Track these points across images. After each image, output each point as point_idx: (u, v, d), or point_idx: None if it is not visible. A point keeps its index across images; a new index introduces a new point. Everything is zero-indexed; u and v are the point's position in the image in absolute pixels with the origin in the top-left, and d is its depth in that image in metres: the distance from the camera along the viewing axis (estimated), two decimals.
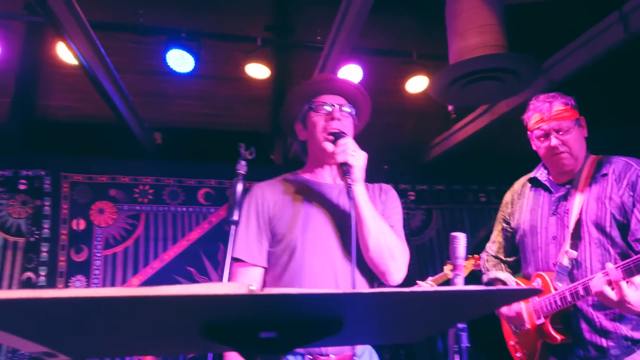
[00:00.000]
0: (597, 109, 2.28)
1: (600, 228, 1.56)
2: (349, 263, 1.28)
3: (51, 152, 3.82)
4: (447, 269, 2.74)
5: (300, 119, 1.52)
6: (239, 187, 1.22)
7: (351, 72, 3.55)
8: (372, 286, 1.44)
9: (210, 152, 4.15)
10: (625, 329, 1.52)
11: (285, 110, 1.58)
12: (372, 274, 1.42)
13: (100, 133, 3.92)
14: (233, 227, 1.17)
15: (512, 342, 1.90)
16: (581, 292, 1.48)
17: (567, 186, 1.70)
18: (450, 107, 3.86)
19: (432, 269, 4.16)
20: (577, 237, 1.60)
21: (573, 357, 1.59)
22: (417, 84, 3.81)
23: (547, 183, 1.77)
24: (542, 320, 1.65)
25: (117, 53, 4.12)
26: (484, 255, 2.03)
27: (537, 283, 1.69)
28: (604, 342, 1.53)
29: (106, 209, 3.77)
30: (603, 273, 1.38)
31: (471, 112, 3.80)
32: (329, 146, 1.37)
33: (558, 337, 1.59)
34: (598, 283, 1.38)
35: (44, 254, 3.53)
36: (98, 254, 3.69)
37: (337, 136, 1.37)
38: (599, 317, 1.55)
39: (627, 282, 1.33)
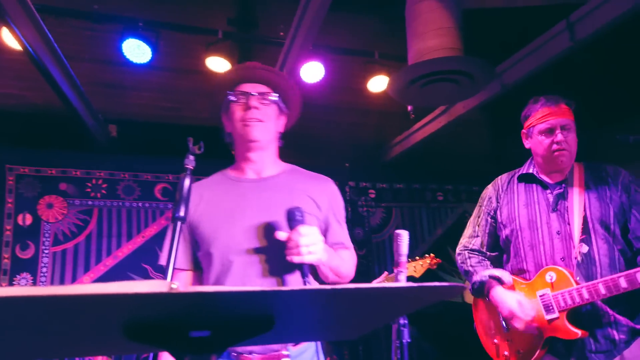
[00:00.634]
0: None
1: (604, 225, 1.66)
2: (278, 259, 1.27)
3: None
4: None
5: (224, 109, 1.47)
6: (186, 182, 1.19)
7: (313, 70, 3.55)
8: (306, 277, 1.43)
9: (169, 146, 4.01)
10: (634, 323, 1.59)
11: (210, 102, 1.53)
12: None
13: (50, 124, 3.73)
14: (179, 224, 1.14)
15: (496, 341, 1.86)
16: (623, 285, 1.50)
17: (563, 185, 1.78)
18: (409, 107, 3.92)
19: (391, 265, 4.25)
20: (586, 233, 1.67)
21: (584, 352, 1.61)
22: (378, 83, 3.85)
23: (543, 179, 1.82)
24: (555, 314, 1.64)
25: (70, 40, 3.94)
26: (463, 252, 2.00)
27: (549, 277, 1.67)
28: (615, 334, 1.59)
29: (55, 203, 3.60)
30: None
31: (429, 113, 3.88)
32: (282, 237, 1.25)
33: (579, 332, 1.59)
34: None
35: None
36: (46, 251, 3.52)
37: (294, 221, 1.24)
38: (612, 312, 1.60)
39: None
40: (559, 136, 1.72)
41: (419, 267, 2.75)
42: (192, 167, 1.23)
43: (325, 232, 1.42)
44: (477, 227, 1.99)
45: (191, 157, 1.26)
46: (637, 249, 1.64)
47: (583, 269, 1.64)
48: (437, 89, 2.64)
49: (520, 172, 1.92)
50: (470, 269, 1.94)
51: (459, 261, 2.03)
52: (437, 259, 2.78)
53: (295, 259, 1.19)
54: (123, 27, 3.26)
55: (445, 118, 3.61)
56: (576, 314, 1.64)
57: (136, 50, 3.29)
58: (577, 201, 1.71)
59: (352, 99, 4.68)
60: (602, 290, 1.55)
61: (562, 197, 1.76)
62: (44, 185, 3.59)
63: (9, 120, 3.67)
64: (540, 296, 1.70)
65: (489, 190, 2.02)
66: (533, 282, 1.75)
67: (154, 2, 4.04)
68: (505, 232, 1.89)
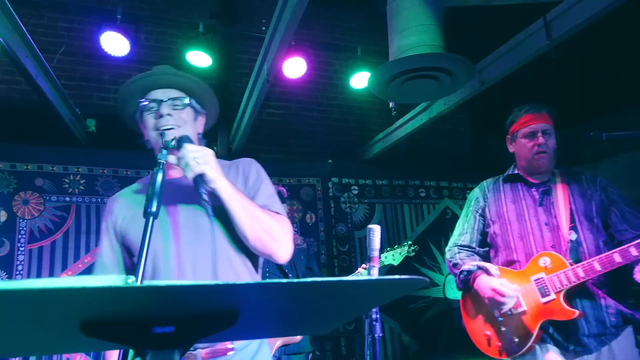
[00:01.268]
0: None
1: (589, 218, 1.81)
2: (208, 253, 1.26)
3: None
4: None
5: (138, 117, 1.44)
6: (159, 176, 1.17)
7: (295, 65, 3.53)
8: (257, 267, 1.41)
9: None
10: (623, 306, 1.69)
11: (121, 110, 1.49)
12: (255, 256, 1.39)
13: (27, 118, 3.64)
14: (151, 219, 1.12)
15: (488, 332, 1.91)
16: (618, 259, 1.60)
17: (547, 184, 1.92)
18: (391, 104, 3.94)
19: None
20: (573, 222, 1.80)
21: (578, 336, 1.70)
22: (361, 79, 3.86)
23: (527, 178, 1.96)
24: (551, 296, 1.72)
25: (47, 33, 3.85)
26: (453, 248, 2.11)
27: (543, 261, 1.77)
28: (606, 317, 1.68)
29: (32, 199, 3.52)
30: None
31: (411, 110, 3.90)
32: (173, 160, 1.26)
33: (576, 311, 1.66)
34: None
35: None
36: (22, 248, 3.44)
37: (178, 145, 1.26)
38: (603, 294, 1.71)
39: None
40: (541, 139, 1.88)
41: (397, 255, 2.84)
42: (165, 162, 1.22)
43: None
44: (466, 225, 2.10)
45: (164, 152, 1.24)
46: (619, 241, 1.75)
47: (573, 254, 1.76)
48: (417, 86, 2.64)
49: (505, 174, 2.06)
50: (459, 261, 2.04)
51: (448, 257, 2.11)
52: (416, 246, 2.85)
53: (188, 175, 1.20)
54: (101, 19, 3.19)
55: (426, 115, 3.63)
56: (569, 297, 1.73)
57: (114, 44, 3.23)
58: (562, 197, 1.85)
59: (335, 95, 4.68)
60: (598, 267, 1.63)
61: (547, 193, 1.90)
62: (20, 181, 3.51)
63: None
64: (535, 280, 1.78)
65: (476, 192, 2.14)
66: (526, 270, 1.84)
67: None
68: (494, 228, 2.00)
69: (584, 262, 1.68)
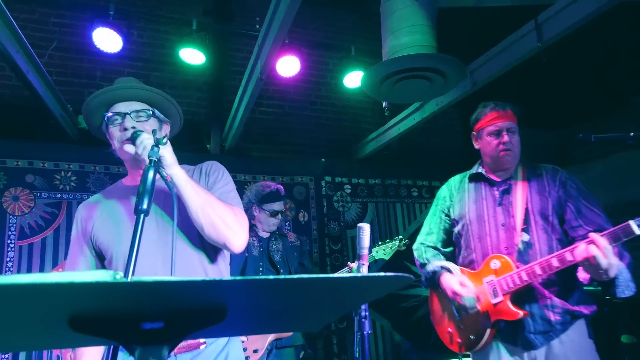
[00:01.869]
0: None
1: (544, 217, 1.81)
2: (187, 257, 1.33)
3: None
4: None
5: (104, 129, 1.49)
6: (150, 174, 1.17)
7: (289, 64, 3.53)
8: (215, 259, 1.45)
9: None
10: (569, 304, 1.73)
11: (87, 122, 1.53)
12: (215, 250, 1.44)
13: (17, 114, 3.61)
14: (142, 216, 1.12)
15: (450, 330, 1.99)
16: (555, 264, 1.64)
17: (509, 182, 1.93)
18: (384, 104, 3.96)
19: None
20: (526, 223, 1.83)
21: (524, 333, 1.75)
22: (354, 79, 3.87)
23: (490, 177, 1.98)
24: (499, 298, 1.78)
25: (38, 28, 3.82)
26: (420, 246, 2.16)
27: (494, 264, 1.82)
28: (551, 315, 1.73)
29: (22, 196, 3.49)
30: (586, 242, 1.56)
31: (404, 110, 3.92)
32: (130, 149, 1.34)
33: (520, 312, 1.73)
34: (585, 250, 1.54)
35: None
36: (12, 245, 3.42)
37: (133, 138, 1.33)
38: (550, 294, 1.75)
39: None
40: (506, 137, 1.89)
41: (388, 249, 2.89)
42: (156, 159, 1.22)
43: None
44: (432, 225, 2.16)
45: (155, 149, 1.25)
46: (572, 238, 1.79)
47: (524, 255, 1.80)
48: (410, 86, 2.66)
49: (470, 172, 2.09)
50: (425, 261, 2.10)
51: (416, 255, 2.18)
52: (406, 240, 2.89)
53: (145, 156, 1.25)
54: (93, 15, 3.17)
55: (419, 115, 3.65)
56: (518, 297, 1.79)
57: (107, 40, 3.21)
58: (520, 196, 1.87)
59: (328, 94, 4.69)
60: (538, 271, 1.70)
61: (507, 192, 1.92)
62: (10, 177, 3.48)
63: None
64: (487, 282, 1.85)
65: (444, 190, 2.19)
66: (480, 271, 1.90)
67: None
68: (457, 228, 2.05)
69: (527, 266, 1.74)
